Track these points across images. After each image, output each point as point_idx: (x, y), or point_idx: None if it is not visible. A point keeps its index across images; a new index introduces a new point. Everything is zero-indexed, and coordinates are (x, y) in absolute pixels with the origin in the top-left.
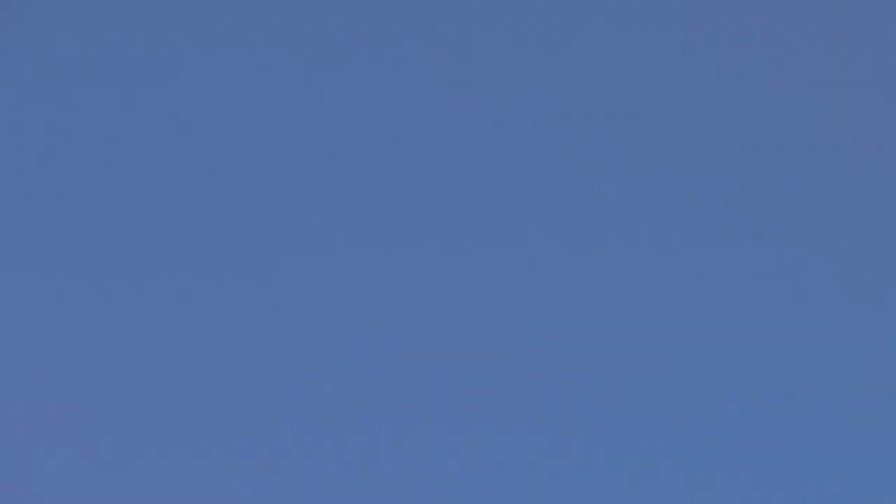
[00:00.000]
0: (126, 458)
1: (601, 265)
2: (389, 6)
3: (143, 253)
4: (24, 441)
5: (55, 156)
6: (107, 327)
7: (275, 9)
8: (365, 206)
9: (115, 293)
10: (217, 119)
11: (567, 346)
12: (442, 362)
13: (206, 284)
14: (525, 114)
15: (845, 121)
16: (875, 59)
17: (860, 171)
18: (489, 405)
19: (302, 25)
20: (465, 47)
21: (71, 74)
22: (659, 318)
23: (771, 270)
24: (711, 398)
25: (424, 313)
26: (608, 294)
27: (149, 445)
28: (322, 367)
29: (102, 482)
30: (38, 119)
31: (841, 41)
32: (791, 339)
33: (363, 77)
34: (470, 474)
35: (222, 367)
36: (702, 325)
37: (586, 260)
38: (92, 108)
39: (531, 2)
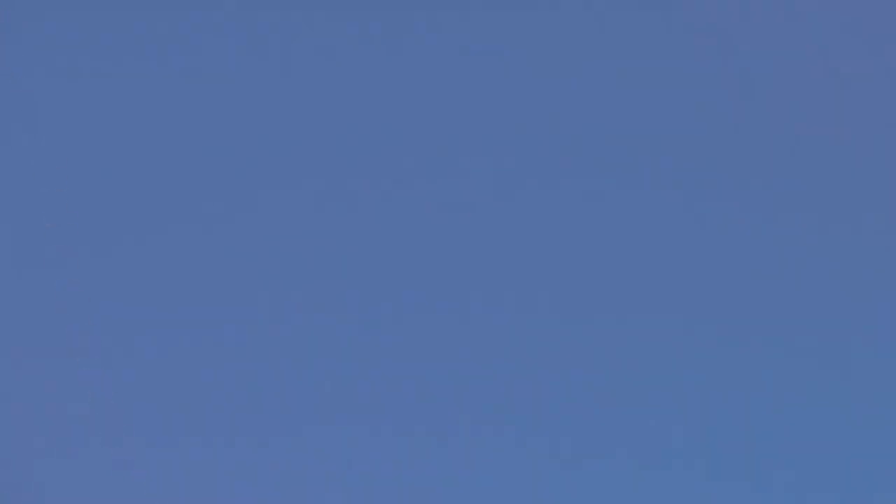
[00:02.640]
0: (125, 458)
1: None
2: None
3: (142, 252)
4: (24, 441)
5: (55, 156)
6: (107, 327)
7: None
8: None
9: (114, 292)
10: (216, 120)
11: (562, 352)
12: (435, 364)
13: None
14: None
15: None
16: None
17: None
18: (477, 407)
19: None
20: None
21: (70, 75)
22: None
23: (770, 272)
24: (711, 399)
25: (416, 314)
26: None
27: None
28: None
29: (102, 482)
30: (38, 120)
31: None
32: (791, 340)
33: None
34: (470, 476)
35: (222, 366)
36: (700, 326)
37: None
38: (91, 108)
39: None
